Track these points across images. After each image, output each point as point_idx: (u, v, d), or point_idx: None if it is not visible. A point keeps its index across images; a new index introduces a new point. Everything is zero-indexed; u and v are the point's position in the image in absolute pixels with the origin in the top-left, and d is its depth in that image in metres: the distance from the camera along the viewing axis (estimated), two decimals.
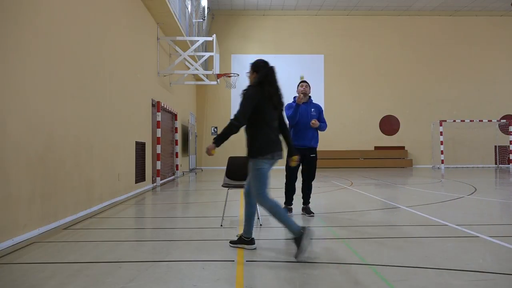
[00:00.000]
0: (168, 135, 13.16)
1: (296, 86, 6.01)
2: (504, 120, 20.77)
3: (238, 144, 9.81)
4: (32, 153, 4.65)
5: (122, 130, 8.15)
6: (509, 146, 20.21)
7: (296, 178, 5.95)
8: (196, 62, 13.62)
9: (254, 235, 4.05)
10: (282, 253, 3.90)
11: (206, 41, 15.48)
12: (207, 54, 13.53)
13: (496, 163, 21.10)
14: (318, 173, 6.29)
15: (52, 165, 5.10)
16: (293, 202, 6.10)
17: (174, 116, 13.95)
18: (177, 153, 14.21)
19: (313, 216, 5.80)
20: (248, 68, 4.13)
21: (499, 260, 3.64)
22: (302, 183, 6.00)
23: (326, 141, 18.12)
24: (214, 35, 13.10)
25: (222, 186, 5.43)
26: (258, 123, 3.85)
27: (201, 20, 17.62)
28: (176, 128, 14.13)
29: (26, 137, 4.53)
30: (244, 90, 3.89)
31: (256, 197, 3.85)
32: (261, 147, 3.80)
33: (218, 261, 3.59)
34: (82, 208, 6.05)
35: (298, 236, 3.58)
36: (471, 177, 13.58)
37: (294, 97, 5.95)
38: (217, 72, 13.84)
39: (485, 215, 6.21)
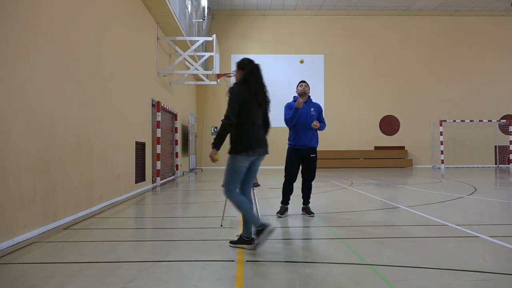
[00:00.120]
0: (168, 135, 13.16)
1: (296, 86, 6.02)
2: (504, 120, 20.77)
3: None
4: (32, 153, 4.65)
5: (122, 130, 8.15)
6: (509, 146, 20.21)
7: (295, 178, 5.92)
8: (196, 62, 13.61)
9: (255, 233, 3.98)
10: (282, 253, 3.91)
11: (206, 41, 15.49)
12: (207, 54, 13.55)
13: (496, 163, 21.09)
14: (318, 173, 6.29)
15: (52, 165, 5.10)
16: (289, 202, 6.01)
17: (174, 116, 13.95)
18: (177, 153, 14.21)
19: (313, 216, 5.80)
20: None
21: (499, 260, 3.64)
22: (302, 183, 5.97)
23: (326, 141, 18.13)
24: (214, 35, 13.11)
25: (222, 186, 5.41)
26: (243, 120, 3.89)
27: (201, 20, 17.62)
28: (176, 128, 14.12)
29: (26, 137, 4.53)
30: (230, 88, 3.94)
31: (224, 189, 3.99)
32: (242, 145, 3.87)
33: (218, 261, 3.60)
34: (82, 208, 6.05)
35: (260, 229, 3.84)
36: (471, 177, 13.58)
37: (294, 97, 5.94)
38: (217, 72, 13.85)
39: (485, 215, 6.21)
